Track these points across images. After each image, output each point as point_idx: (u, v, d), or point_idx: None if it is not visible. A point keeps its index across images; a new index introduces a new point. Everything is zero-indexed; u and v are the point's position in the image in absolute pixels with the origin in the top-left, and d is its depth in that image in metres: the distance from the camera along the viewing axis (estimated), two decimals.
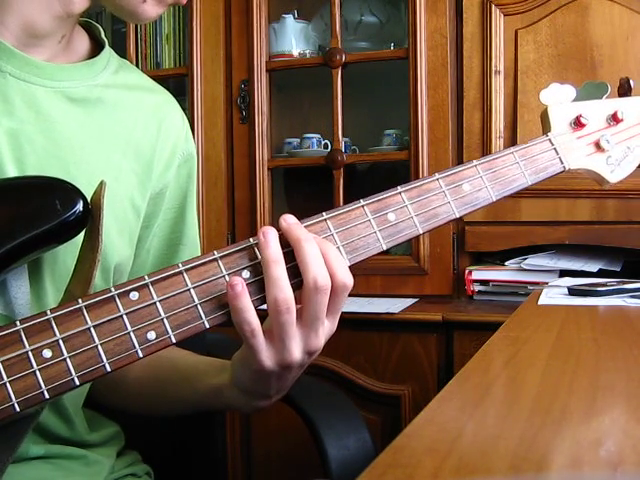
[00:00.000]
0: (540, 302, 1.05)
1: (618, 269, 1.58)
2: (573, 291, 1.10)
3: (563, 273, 1.58)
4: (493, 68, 1.69)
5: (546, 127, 0.82)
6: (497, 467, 0.40)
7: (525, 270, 1.64)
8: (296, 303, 0.64)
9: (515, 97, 1.69)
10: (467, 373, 0.63)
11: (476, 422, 0.49)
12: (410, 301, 1.70)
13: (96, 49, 0.84)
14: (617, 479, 0.39)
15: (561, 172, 0.80)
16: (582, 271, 1.56)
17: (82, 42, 0.83)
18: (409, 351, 1.60)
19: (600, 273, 1.53)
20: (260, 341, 0.64)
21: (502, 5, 1.69)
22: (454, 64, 1.75)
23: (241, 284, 0.62)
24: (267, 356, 0.65)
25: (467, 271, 1.70)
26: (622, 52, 1.61)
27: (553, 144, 0.80)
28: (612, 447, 0.44)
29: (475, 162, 0.75)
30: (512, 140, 1.69)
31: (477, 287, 1.70)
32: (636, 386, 0.58)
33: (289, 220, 0.65)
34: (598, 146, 0.83)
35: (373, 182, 2.05)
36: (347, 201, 1.97)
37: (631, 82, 0.87)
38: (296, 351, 0.65)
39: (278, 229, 0.65)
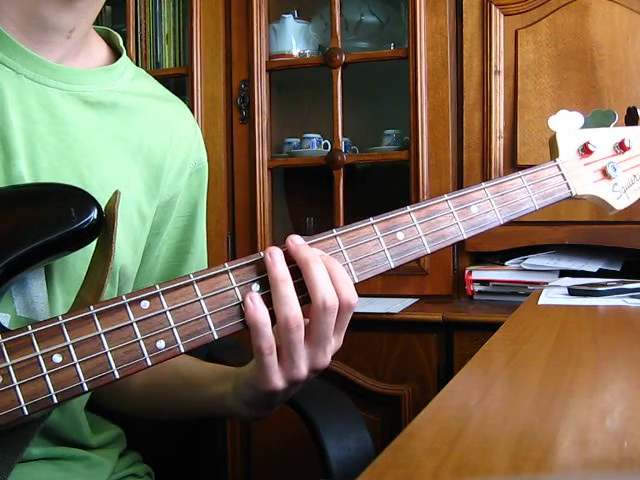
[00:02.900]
0: (540, 302, 1.05)
1: (618, 269, 1.58)
2: (573, 291, 1.11)
3: (563, 273, 1.58)
4: (493, 68, 1.69)
5: (554, 153, 0.83)
6: (497, 467, 0.40)
7: (525, 270, 1.64)
8: (303, 317, 0.65)
9: (515, 97, 1.69)
10: (467, 373, 0.63)
11: (476, 422, 0.49)
12: (410, 301, 1.70)
13: (114, 57, 0.84)
14: None
15: (568, 197, 0.81)
16: (582, 271, 1.55)
17: (100, 49, 0.83)
18: (409, 351, 1.60)
19: (600, 273, 1.53)
20: (274, 359, 0.65)
21: (502, 5, 1.69)
22: (454, 64, 1.75)
23: (259, 297, 0.63)
24: (279, 377, 0.66)
25: (467, 271, 1.70)
26: (622, 52, 1.61)
27: (561, 170, 0.81)
28: (612, 447, 0.44)
29: (484, 185, 0.76)
30: (512, 140, 1.69)
31: (477, 287, 1.70)
32: (636, 386, 0.58)
33: (296, 241, 0.65)
34: (605, 173, 0.84)
35: (373, 182, 2.05)
36: (347, 201, 1.97)
37: (639, 111, 0.88)
38: (304, 369, 0.66)
39: (283, 244, 0.65)
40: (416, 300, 1.72)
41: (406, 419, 1.60)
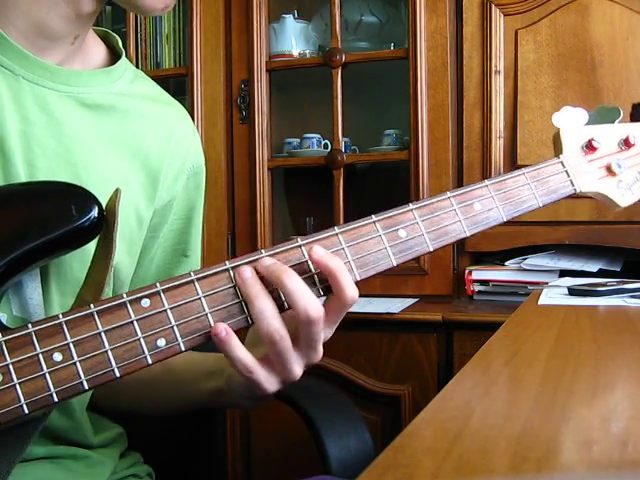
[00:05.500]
0: (540, 302, 1.05)
1: (618, 269, 1.58)
2: (573, 291, 1.11)
3: (563, 273, 1.58)
4: (493, 68, 1.69)
5: (558, 150, 0.82)
6: (497, 467, 0.40)
7: (525, 270, 1.64)
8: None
9: (515, 97, 1.69)
10: (467, 373, 0.64)
11: (476, 422, 0.49)
12: (410, 301, 1.70)
13: (113, 59, 0.83)
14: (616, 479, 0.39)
15: (572, 194, 0.80)
16: (582, 271, 1.55)
17: (99, 51, 0.83)
18: (409, 351, 1.60)
19: (600, 273, 1.53)
20: (259, 373, 0.65)
21: (502, 5, 1.69)
22: (454, 64, 1.75)
23: (224, 330, 0.62)
24: (270, 382, 0.66)
25: (467, 271, 1.70)
26: (622, 52, 1.61)
27: (564, 167, 0.80)
28: (613, 447, 0.44)
29: (486, 182, 0.75)
30: (512, 140, 1.69)
31: (477, 287, 1.70)
32: (636, 386, 0.58)
33: (265, 263, 0.64)
34: (609, 170, 0.83)
35: (373, 182, 2.05)
36: (347, 201, 1.96)
37: None
38: (297, 370, 0.66)
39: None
40: (416, 300, 1.72)
41: (406, 419, 1.60)
